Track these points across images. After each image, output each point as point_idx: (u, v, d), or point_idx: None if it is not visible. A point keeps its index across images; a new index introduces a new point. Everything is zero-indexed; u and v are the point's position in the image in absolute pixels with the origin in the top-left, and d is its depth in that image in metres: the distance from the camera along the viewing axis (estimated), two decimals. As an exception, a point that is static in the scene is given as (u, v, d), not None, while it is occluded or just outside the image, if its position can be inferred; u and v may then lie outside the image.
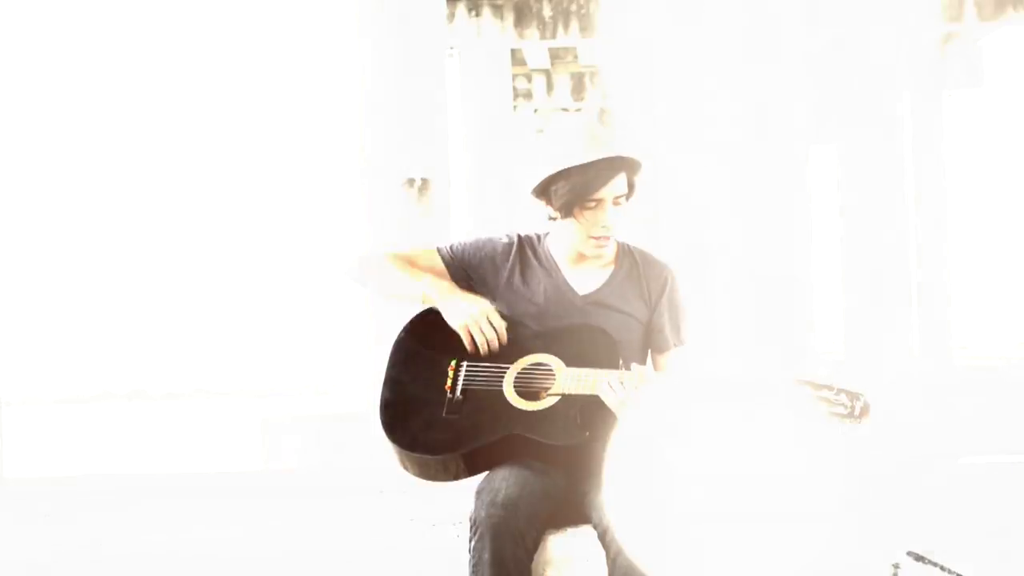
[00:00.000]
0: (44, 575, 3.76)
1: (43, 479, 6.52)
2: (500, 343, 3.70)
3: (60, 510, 4.83)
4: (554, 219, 3.83)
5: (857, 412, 3.65)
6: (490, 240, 3.86)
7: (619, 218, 3.81)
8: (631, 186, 3.82)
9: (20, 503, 5.13)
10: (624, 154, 3.76)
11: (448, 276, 3.86)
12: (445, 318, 3.71)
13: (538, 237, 3.91)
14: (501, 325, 3.69)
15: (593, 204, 3.76)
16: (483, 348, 3.68)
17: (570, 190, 3.74)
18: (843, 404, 3.65)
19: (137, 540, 3.90)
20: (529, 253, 3.88)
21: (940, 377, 28.04)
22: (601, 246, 3.79)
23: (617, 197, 3.77)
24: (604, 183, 3.75)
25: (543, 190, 3.78)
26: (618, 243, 3.96)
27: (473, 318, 3.68)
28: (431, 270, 3.87)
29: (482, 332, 3.68)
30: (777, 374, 3.72)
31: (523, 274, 3.86)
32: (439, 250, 3.89)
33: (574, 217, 3.77)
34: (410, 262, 3.90)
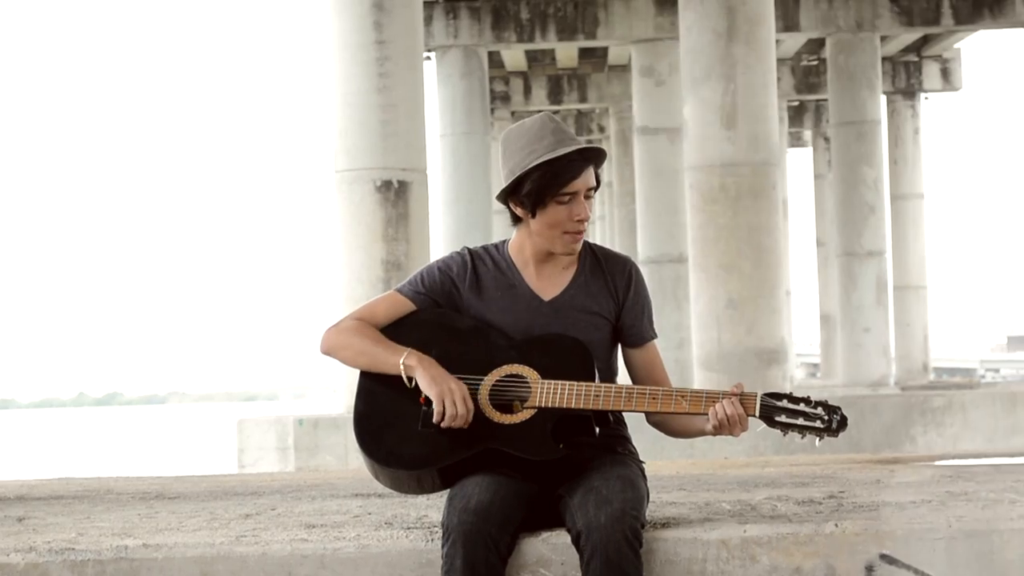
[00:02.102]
0: (17, 580, 3.74)
1: (17, 482, 6.49)
2: (463, 425, 3.67)
3: (34, 514, 4.81)
4: (520, 221, 3.83)
5: (834, 426, 3.67)
6: (445, 262, 3.87)
7: (589, 213, 3.83)
8: (597, 178, 3.83)
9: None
10: (593, 145, 3.78)
11: (416, 311, 3.85)
12: (421, 385, 3.69)
13: (496, 247, 3.90)
14: (471, 410, 3.67)
15: (567, 198, 3.76)
16: (448, 423, 3.66)
17: (543, 183, 3.74)
18: (820, 418, 3.67)
19: (112, 544, 3.88)
20: (485, 265, 3.87)
21: (915, 378, 28.13)
22: (576, 240, 3.80)
23: (589, 189, 3.79)
24: (577, 174, 3.76)
25: (513, 190, 3.78)
26: None
27: (451, 392, 3.66)
28: (397, 313, 3.85)
29: (454, 406, 3.65)
30: (755, 385, 3.75)
31: (483, 286, 3.86)
32: (401, 292, 3.88)
33: (545, 214, 3.77)
34: (373, 317, 3.85)
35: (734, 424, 3.67)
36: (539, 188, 3.75)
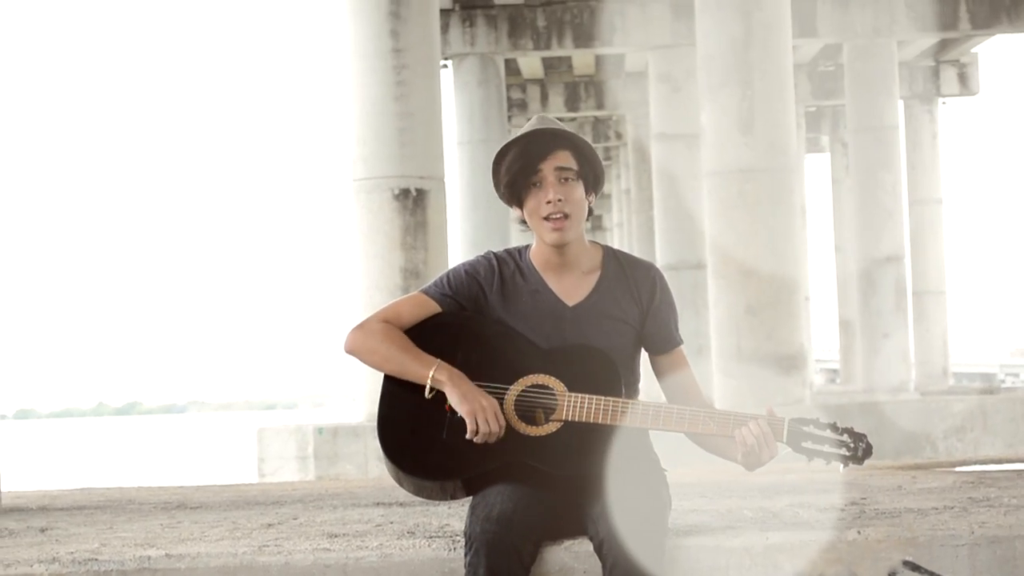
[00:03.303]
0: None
1: (39, 493, 6.51)
2: (497, 439, 3.66)
3: (57, 524, 4.82)
4: (523, 222, 3.83)
5: (860, 454, 3.66)
6: (472, 265, 3.85)
7: (576, 200, 3.77)
8: (581, 165, 3.79)
9: (15, 517, 5.12)
10: (563, 128, 3.77)
11: (440, 313, 3.84)
12: (452, 402, 3.67)
13: (519, 252, 3.89)
14: (503, 424, 3.66)
15: (537, 182, 3.75)
16: (482, 439, 3.64)
17: (510, 168, 3.75)
18: (847, 445, 3.66)
19: (135, 555, 3.90)
20: (509, 269, 3.86)
21: (935, 384, 28.07)
22: (559, 228, 3.77)
23: (561, 170, 3.76)
24: (542, 155, 3.74)
25: (498, 186, 3.81)
26: (602, 247, 3.95)
27: (483, 409, 3.64)
28: (422, 314, 3.83)
29: (487, 424, 3.64)
30: (780, 409, 3.73)
31: (507, 291, 3.85)
32: (427, 293, 3.85)
33: (526, 204, 3.77)
34: (399, 318, 3.83)
35: (762, 446, 3.64)
36: (510, 176, 3.77)
